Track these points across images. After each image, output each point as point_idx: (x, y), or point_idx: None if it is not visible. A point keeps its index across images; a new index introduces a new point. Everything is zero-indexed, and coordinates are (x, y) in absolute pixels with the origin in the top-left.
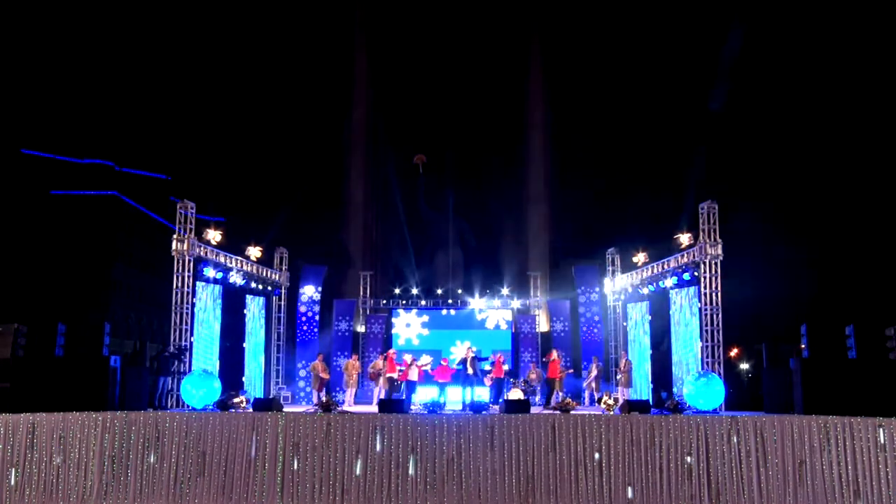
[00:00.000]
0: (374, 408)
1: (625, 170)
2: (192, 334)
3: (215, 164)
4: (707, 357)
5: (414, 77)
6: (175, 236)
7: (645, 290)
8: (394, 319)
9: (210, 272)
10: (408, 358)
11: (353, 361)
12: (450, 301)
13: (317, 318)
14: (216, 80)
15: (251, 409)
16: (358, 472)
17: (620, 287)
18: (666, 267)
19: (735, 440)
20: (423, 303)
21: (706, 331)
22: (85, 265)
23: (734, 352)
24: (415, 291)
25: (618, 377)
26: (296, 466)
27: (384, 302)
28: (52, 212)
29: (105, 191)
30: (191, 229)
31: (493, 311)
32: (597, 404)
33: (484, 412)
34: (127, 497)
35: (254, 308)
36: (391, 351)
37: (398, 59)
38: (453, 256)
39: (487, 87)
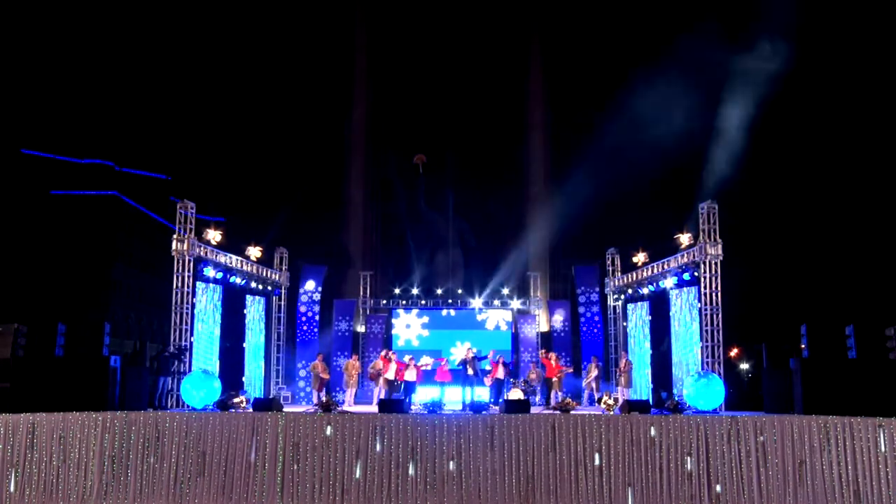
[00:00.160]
0: (374, 408)
1: (625, 170)
2: (192, 334)
3: (215, 164)
4: (707, 357)
5: (414, 77)
6: (175, 236)
7: (645, 291)
8: (394, 320)
9: (210, 272)
10: (407, 359)
11: (353, 361)
12: (450, 301)
13: (317, 318)
14: (216, 80)
15: (251, 409)
16: (358, 472)
17: (620, 287)
18: (666, 267)
19: (735, 440)
20: (424, 303)
21: (706, 331)
22: (85, 265)
23: (734, 352)
24: (415, 291)
25: (618, 377)
26: (296, 466)
27: (384, 302)
28: (52, 212)
29: (105, 191)
30: (191, 229)
31: (494, 311)
32: (597, 404)
33: (484, 412)
34: (127, 497)
35: (254, 308)
36: (385, 353)
37: (398, 59)
38: (453, 256)
39: (487, 87)
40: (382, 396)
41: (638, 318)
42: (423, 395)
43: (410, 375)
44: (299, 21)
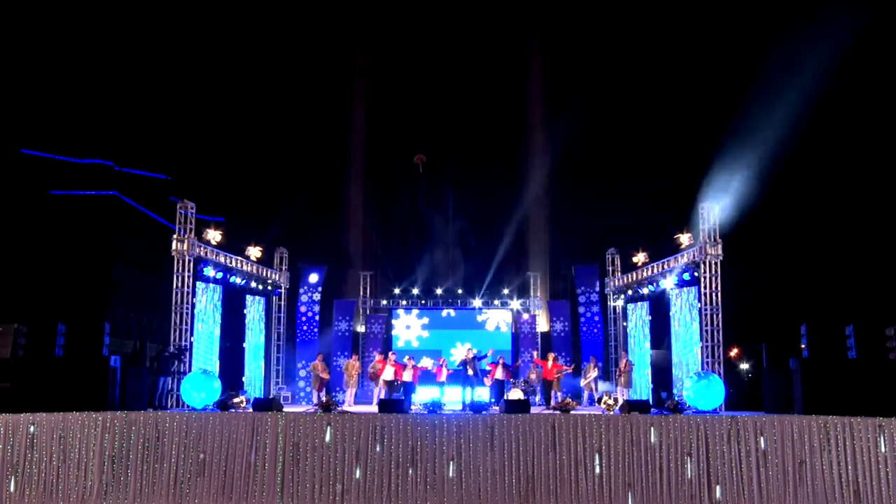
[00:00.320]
0: (374, 408)
1: (625, 169)
2: (192, 334)
3: (215, 164)
4: (707, 357)
5: (414, 77)
6: (175, 236)
7: (645, 291)
8: (394, 321)
9: (210, 272)
10: (406, 360)
11: (353, 361)
12: (450, 301)
13: (317, 318)
14: (216, 80)
15: (251, 409)
16: (358, 472)
17: (620, 287)
18: (666, 267)
19: (735, 440)
20: (423, 303)
21: (706, 331)
22: (85, 265)
23: (734, 352)
24: (415, 291)
25: (617, 377)
26: (296, 466)
27: (384, 302)
28: (52, 212)
29: (105, 191)
30: (191, 229)
31: (494, 311)
32: (597, 404)
33: (484, 412)
34: (127, 497)
35: (254, 308)
36: (380, 358)
37: (398, 59)
38: (453, 256)
39: (487, 86)
40: (382, 396)
41: (638, 319)
42: (423, 396)
43: (409, 376)
44: (299, 20)
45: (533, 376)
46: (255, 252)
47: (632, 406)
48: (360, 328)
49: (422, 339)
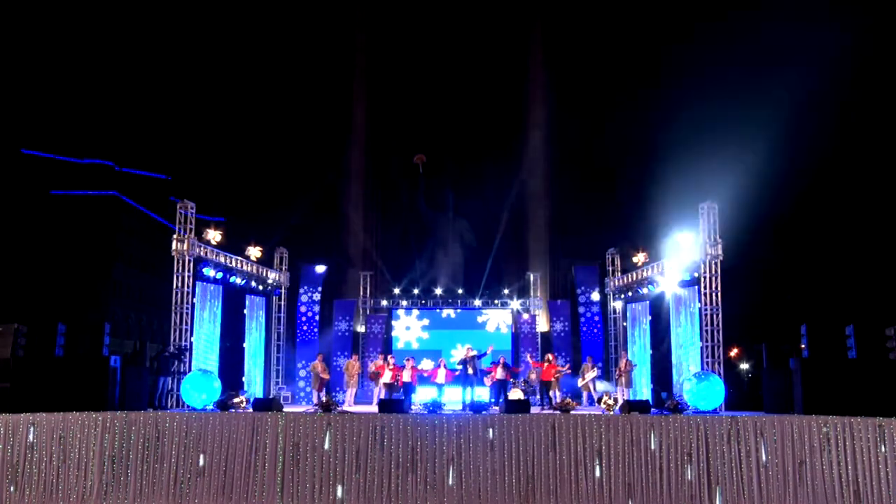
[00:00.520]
0: (374, 408)
1: (625, 169)
2: (192, 334)
3: (215, 164)
4: (707, 357)
5: (414, 77)
6: (175, 236)
7: (645, 290)
8: (394, 323)
9: (210, 272)
10: (406, 361)
11: (354, 361)
12: (450, 301)
13: (317, 318)
14: (216, 80)
15: (251, 409)
16: (358, 472)
17: (620, 287)
18: (666, 267)
19: (735, 440)
20: (423, 303)
21: (706, 331)
22: (85, 265)
23: (734, 352)
24: (415, 291)
25: (617, 377)
26: (296, 466)
27: (384, 302)
28: (52, 212)
29: (105, 191)
30: (191, 229)
31: (494, 311)
32: (597, 404)
33: (484, 412)
34: (127, 497)
35: (254, 308)
36: (383, 358)
37: (398, 59)
38: (453, 256)
39: (487, 86)
40: (382, 397)
41: (638, 318)
42: (422, 396)
43: (409, 376)
44: (299, 20)
45: (533, 376)
46: (255, 252)
47: (632, 406)
48: (360, 328)
49: (422, 341)
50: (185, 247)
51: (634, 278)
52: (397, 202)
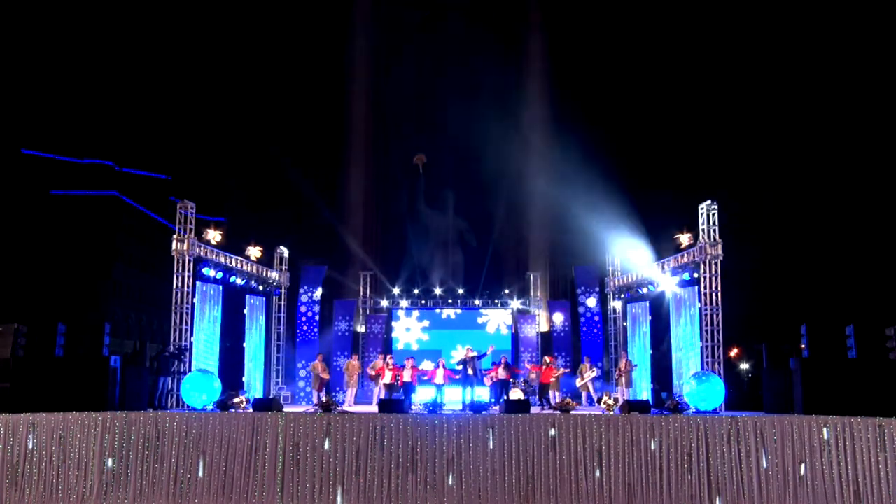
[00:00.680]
0: (374, 408)
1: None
2: (192, 334)
3: (215, 164)
4: (707, 357)
5: (414, 76)
6: (175, 236)
7: (645, 290)
8: (394, 324)
9: (210, 272)
10: (406, 361)
11: (354, 361)
12: (450, 301)
13: (317, 318)
14: (216, 80)
15: (251, 409)
16: (358, 472)
17: (620, 287)
18: (666, 267)
19: (735, 440)
20: (423, 303)
21: (706, 331)
22: (85, 265)
23: (734, 352)
24: (415, 291)
25: (617, 377)
26: (296, 466)
27: (384, 302)
28: (52, 212)
29: (105, 191)
30: (191, 229)
31: (494, 311)
32: (596, 404)
33: (484, 412)
34: (127, 497)
35: (254, 308)
36: (383, 358)
37: (398, 59)
38: (453, 256)
39: (487, 86)
40: (382, 397)
41: (638, 318)
42: (422, 396)
43: (409, 376)
44: (299, 19)
45: (533, 376)
46: (255, 252)
47: (632, 406)
48: (360, 328)
49: (422, 342)
50: (185, 247)
51: (634, 278)
52: (397, 202)
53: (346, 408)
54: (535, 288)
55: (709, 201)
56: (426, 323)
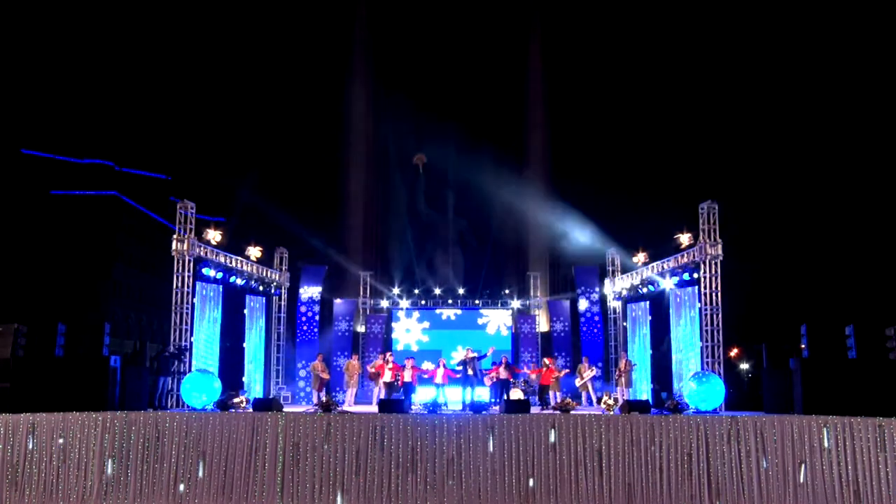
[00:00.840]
0: (374, 408)
1: (625, 169)
2: (192, 334)
3: (215, 164)
4: (707, 357)
5: (414, 76)
6: (175, 236)
7: (645, 290)
8: (394, 324)
9: (210, 272)
10: (406, 361)
11: (354, 361)
12: (450, 301)
13: (317, 318)
14: (216, 80)
15: (251, 409)
16: (358, 472)
17: (620, 287)
18: (666, 267)
19: (735, 440)
20: (423, 303)
21: (706, 331)
22: (85, 265)
23: (734, 352)
24: (416, 291)
25: (617, 377)
26: (296, 466)
27: (384, 302)
28: (52, 212)
29: (105, 191)
30: (191, 229)
31: (494, 311)
32: (596, 404)
33: (484, 412)
34: (127, 497)
35: (254, 308)
36: (384, 357)
37: (399, 59)
38: (453, 257)
39: (488, 86)
40: (382, 396)
41: (638, 319)
42: (422, 395)
43: (409, 376)
44: (299, 20)
45: (533, 376)
46: (255, 252)
47: (632, 406)
48: (360, 328)
49: (422, 343)
50: (185, 247)
51: (634, 278)
52: (397, 202)
53: (346, 408)
54: (535, 288)
55: (709, 201)
56: (426, 324)
